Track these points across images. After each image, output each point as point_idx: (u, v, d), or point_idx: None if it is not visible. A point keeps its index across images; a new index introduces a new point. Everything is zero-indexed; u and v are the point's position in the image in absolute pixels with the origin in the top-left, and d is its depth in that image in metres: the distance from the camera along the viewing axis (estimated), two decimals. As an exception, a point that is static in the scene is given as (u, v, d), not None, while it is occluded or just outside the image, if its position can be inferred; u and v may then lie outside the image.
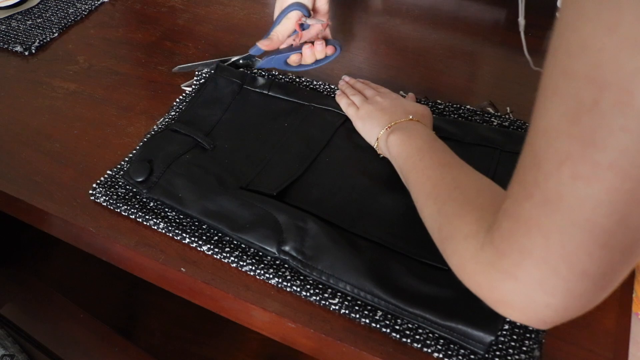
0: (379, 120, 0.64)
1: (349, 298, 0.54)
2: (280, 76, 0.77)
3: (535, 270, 0.34)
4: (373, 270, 0.53)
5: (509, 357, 0.49)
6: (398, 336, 0.51)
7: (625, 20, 0.25)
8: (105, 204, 0.64)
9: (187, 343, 1.10)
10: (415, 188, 0.53)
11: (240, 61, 0.77)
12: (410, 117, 0.62)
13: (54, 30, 0.89)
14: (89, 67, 0.83)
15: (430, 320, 0.50)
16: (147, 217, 0.62)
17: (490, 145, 0.64)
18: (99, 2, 0.95)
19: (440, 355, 0.49)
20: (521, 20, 0.72)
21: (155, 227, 0.61)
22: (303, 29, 0.71)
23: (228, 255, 0.58)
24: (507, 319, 0.51)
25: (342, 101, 0.70)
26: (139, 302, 1.16)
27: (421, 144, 0.57)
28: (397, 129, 0.60)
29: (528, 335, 0.50)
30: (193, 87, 0.77)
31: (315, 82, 0.76)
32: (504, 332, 0.50)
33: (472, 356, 0.49)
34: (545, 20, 0.83)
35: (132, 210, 0.62)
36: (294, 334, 0.55)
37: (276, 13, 0.71)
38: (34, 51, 0.86)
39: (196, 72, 0.78)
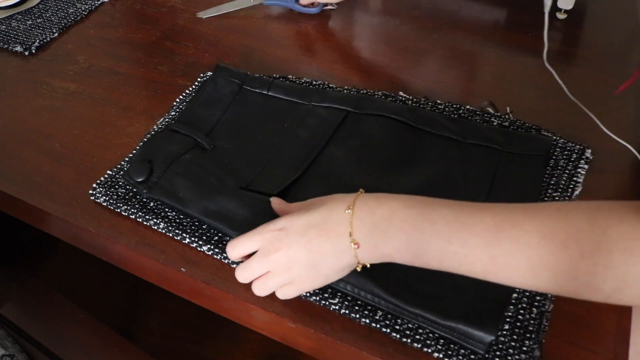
0: (331, 253, 0.47)
1: (349, 298, 0.54)
2: (280, 77, 0.77)
3: None
4: (373, 270, 0.53)
5: (509, 357, 0.49)
6: (398, 336, 0.51)
7: None
8: (105, 204, 0.64)
9: (187, 343, 1.10)
10: (506, 279, 0.43)
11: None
12: (344, 212, 0.46)
13: (54, 30, 0.89)
14: (89, 67, 0.83)
15: (430, 320, 0.50)
16: (147, 217, 0.62)
17: (491, 145, 0.64)
18: (99, 2, 0.95)
19: (441, 355, 0.49)
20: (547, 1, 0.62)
21: (156, 227, 0.61)
22: None
23: (228, 255, 0.58)
24: (507, 319, 0.51)
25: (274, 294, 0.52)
26: (139, 302, 1.16)
27: (424, 232, 0.44)
28: (373, 236, 0.45)
29: (528, 335, 0.50)
30: (194, 86, 0.77)
31: (315, 82, 0.76)
32: (504, 332, 0.50)
33: (472, 356, 0.49)
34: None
35: (132, 210, 0.62)
36: (294, 334, 0.55)
37: None
38: (34, 51, 0.86)
39: (200, 75, 0.78)
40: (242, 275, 0.53)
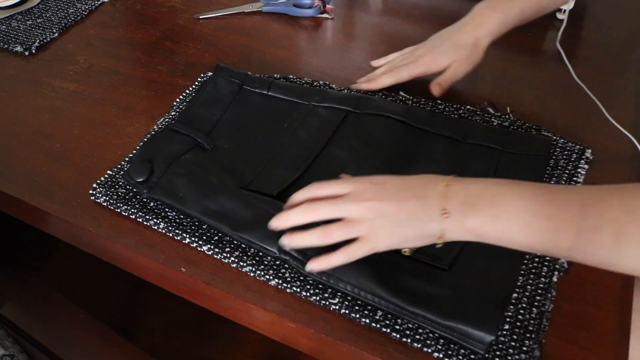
0: (419, 216, 0.48)
1: (349, 298, 0.54)
2: (280, 77, 0.77)
3: None
4: (373, 270, 0.53)
5: (509, 357, 0.49)
6: (398, 336, 0.51)
7: None
8: (105, 204, 0.64)
9: (187, 343, 1.10)
10: (592, 255, 0.43)
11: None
12: (441, 184, 0.48)
13: (54, 30, 0.89)
14: (89, 67, 0.83)
15: (430, 319, 0.50)
16: (147, 217, 0.62)
17: (491, 145, 0.64)
18: (99, 2, 0.95)
19: (441, 355, 0.49)
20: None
21: (156, 227, 0.61)
22: None
23: (228, 255, 0.58)
24: (507, 319, 0.51)
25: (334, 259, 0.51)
26: (139, 302, 1.16)
27: (512, 206, 0.45)
28: (464, 207, 0.46)
29: (528, 335, 0.50)
30: (194, 87, 0.77)
31: (315, 82, 0.76)
32: (504, 332, 0.50)
33: (472, 356, 0.49)
34: (545, 20, 0.83)
35: (133, 210, 0.62)
36: (294, 334, 0.55)
37: None
38: (34, 51, 0.86)
39: (201, 75, 0.78)
40: (317, 209, 0.50)
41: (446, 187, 0.47)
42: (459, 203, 0.47)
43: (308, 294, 0.54)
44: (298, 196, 0.53)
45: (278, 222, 0.53)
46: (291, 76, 0.77)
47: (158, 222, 0.61)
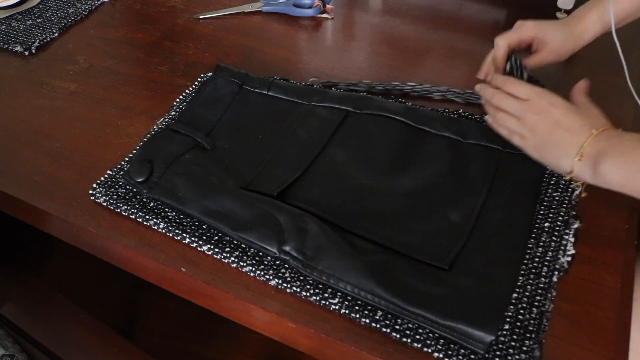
0: (560, 148, 0.56)
1: (349, 298, 0.54)
2: (279, 77, 0.77)
3: None
4: (373, 270, 0.53)
5: (509, 357, 0.49)
6: (398, 336, 0.51)
7: None
8: (105, 204, 0.64)
9: (187, 343, 1.10)
10: None
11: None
12: (594, 130, 0.54)
13: (54, 30, 0.89)
14: (89, 67, 0.83)
15: (430, 319, 0.50)
16: (147, 217, 0.62)
17: (491, 145, 0.64)
18: (99, 2, 0.95)
19: (441, 355, 0.49)
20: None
21: (156, 227, 0.61)
22: None
23: (228, 255, 0.58)
24: (507, 319, 0.51)
25: (501, 131, 0.62)
26: (139, 302, 1.16)
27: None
28: (599, 154, 0.53)
29: (528, 335, 0.50)
30: (194, 86, 0.77)
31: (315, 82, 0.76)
32: (504, 332, 0.50)
33: (472, 356, 0.49)
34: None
35: (132, 210, 0.62)
36: (294, 334, 0.55)
37: None
38: (34, 51, 0.86)
39: (201, 75, 0.78)
40: (500, 100, 0.60)
41: (595, 135, 0.54)
42: (597, 150, 0.53)
43: (308, 294, 0.54)
44: (497, 81, 0.63)
45: (484, 89, 0.64)
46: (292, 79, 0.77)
47: (158, 222, 0.61)
